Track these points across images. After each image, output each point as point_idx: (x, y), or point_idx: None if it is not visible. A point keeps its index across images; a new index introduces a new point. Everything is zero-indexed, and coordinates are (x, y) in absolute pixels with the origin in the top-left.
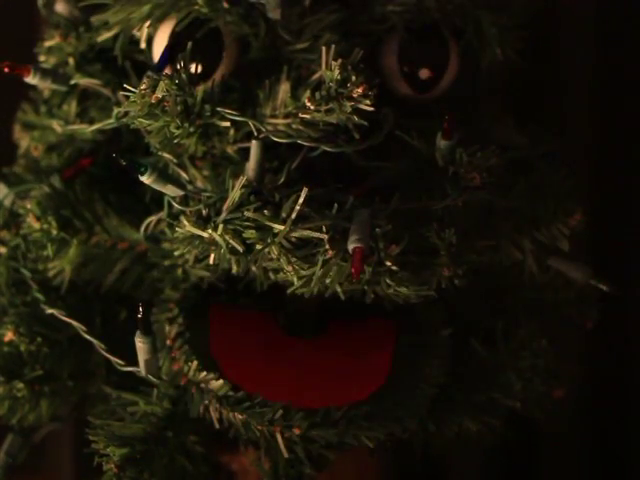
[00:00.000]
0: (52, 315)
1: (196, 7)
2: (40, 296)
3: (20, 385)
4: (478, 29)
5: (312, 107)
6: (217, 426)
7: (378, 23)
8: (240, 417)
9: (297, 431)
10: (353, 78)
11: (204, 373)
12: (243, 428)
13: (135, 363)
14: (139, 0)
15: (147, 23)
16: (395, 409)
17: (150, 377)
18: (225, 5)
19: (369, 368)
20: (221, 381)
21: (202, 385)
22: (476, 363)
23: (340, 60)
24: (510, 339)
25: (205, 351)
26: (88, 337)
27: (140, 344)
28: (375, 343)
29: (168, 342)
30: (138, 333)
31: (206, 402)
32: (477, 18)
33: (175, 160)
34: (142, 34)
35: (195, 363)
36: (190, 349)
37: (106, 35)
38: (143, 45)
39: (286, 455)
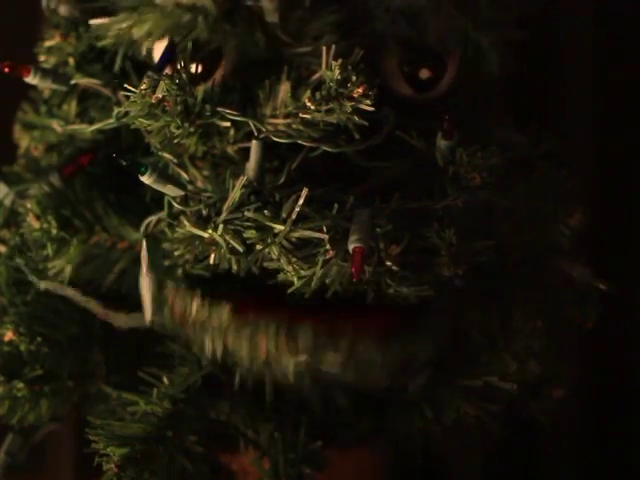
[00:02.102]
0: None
1: (197, 30)
2: (34, 278)
3: (20, 385)
4: (477, 49)
5: (312, 107)
6: (219, 358)
7: (378, 23)
8: (245, 344)
9: (301, 345)
10: (353, 78)
11: (207, 307)
12: (249, 352)
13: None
14: (140, 16)
15: (146, 42)
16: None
17: (155, 322)
18: (228, 28)
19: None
20: (224, 310)
21: (205, 323)
22: (472, 347)
23: (340, 60)
24: (506, 324)
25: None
26: (84, 301)
27: (146, 280)
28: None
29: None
30: (144, 269)
31: (209, 334)
32: (477, 41)
33: (175, 160)
34: (142, 46)
35: (198, 299)
36: (192, 286)
37: (105, 42)
38: (143, 53)
39: (292, 379)
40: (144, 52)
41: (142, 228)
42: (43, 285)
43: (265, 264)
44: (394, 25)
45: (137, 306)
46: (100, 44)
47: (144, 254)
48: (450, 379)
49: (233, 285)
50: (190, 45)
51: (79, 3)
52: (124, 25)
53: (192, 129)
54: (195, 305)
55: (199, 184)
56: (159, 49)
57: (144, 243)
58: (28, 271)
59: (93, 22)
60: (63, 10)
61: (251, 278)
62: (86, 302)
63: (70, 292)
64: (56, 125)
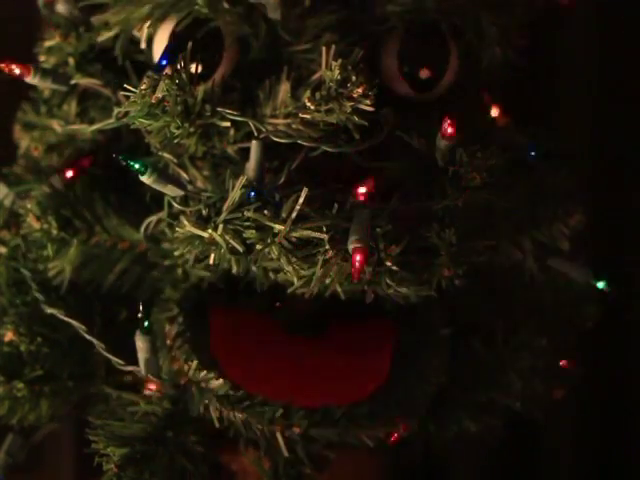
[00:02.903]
0: (52, 315)
1: (196, 7)
2: (40, 296)
3: (20, 385)
4: (478, 29)
5: (312, 107)
6: (217, 425)
7: (378, 23)
8: (240, 416)
9: (297, 430)
10: (353, 78)
11: (204, 372)
12: (243, 427)
13: (135, 363)
14: (139, 0)
15: (147, 23)
16: (395, 408)
17: (150, 377)
18: (225, 5)
19: (369, 367)
20: (221, 380)
21: (202, 384)
22: (476, 363)
23: (340, 60)
24: (510, 339)
25: (205, 350)
26: (88, 337)
27: (140, 343)
28: (375, 343)
29: (168, 341)
30: (138, 332)
31: (206, 401)
32: (477, 18)
33: (175, 160)
34: (142, 34)
35: (195, 362)
36: (190, 348)
37: (106, 35)
38: (143, 45)
39: (286, 454)
40: (144, 41)
41: (142, 228)
42: (49, 311)
43: (265, 264)
44: (396, 2)
45: (137, 306)
46: (100, 39)
47: (140, 316)
48: (453, 394)
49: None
50: (190, 46)
51: (78, 1)
52: (124, 13)
53: (192, 129)
54: (192, 367)
55: (199, 184)
56: (159, 47)
57: (140, 306)
58: (35, 286)
59: (94, 18)
60: (61, 9)
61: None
62: (90, 338)
63: (76, 324)
64: (56, 125)
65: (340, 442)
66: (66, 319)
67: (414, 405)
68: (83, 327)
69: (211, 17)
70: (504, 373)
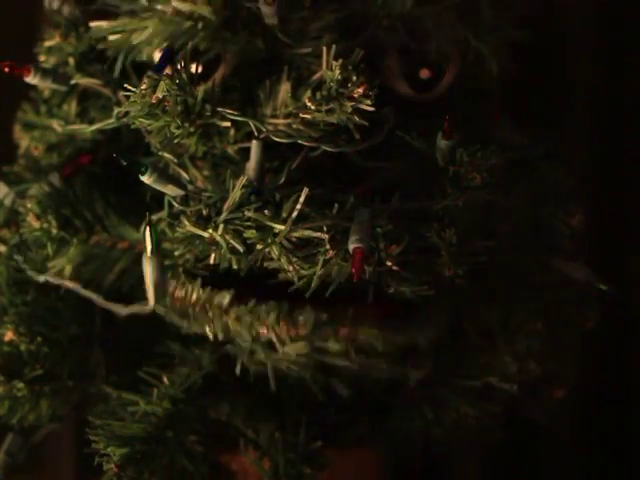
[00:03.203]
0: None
1: (197, 38)
2: (33, 274)
3: (20, 385)
4: (478, 57)
5: (313, 107)
6: (220, 337)
7: (378, 23)
8: (247, 319)
9: (302, 331)
10: (354, 78)
11: (208, 291)
12: (248, 333)
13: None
14: (140, 23)
15: (146, 49)
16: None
17: (158, 307)
18: (228, 35)
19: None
20: (226, 295)
21: (206, 304)
22: (472, 348)
23: (340, 60)
24: (506, 325)
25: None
26: (85, 293)
27: (148, 267)
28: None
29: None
30: (146, 252)
31: (210, 315)
32: (478, 49)
33: (175, 160)
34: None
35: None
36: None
37: (105, 46)
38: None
39: (294, 366)
40: (145, 57)
41: (142, 228)
42: (42, 278)
43: (265, 264)
44: (394, 34)
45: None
46: (100, 46)
47: (147, 238)
48: (450, 380)
49: (234, 279)
50: (190, 49)
51: (80, 4)
52: (124, 30)
53: (192, 129)
54: (196, 290)
55: (199, 184)
56: (159, 50)
57: (147, 229)
58: (27, 267)
59: (93, 25)
60: (65, 10)
61: (252, 277)
62: (86, 293)
63: (69, 284)
64: (56, 125)
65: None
66: (57, 282)
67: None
68: (77, 285)
69: (212, 47)
70: (500, 357)
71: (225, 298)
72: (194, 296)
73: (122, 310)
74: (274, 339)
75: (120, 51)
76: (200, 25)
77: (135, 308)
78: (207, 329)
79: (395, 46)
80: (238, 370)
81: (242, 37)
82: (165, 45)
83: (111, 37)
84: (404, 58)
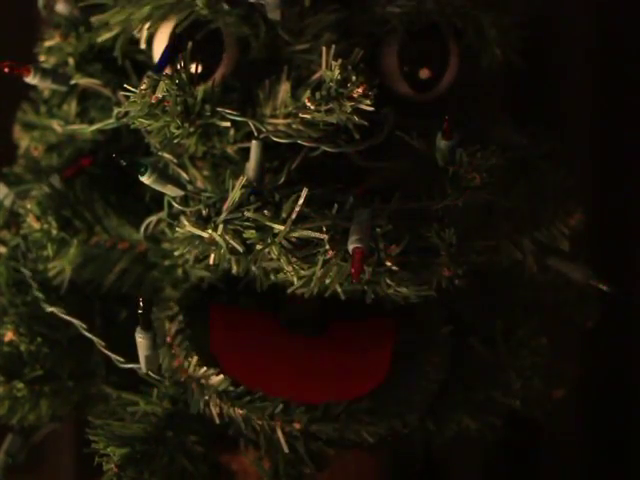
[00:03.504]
0: (52, 315)
1: (196, 9)
2: (40, 294)
3: (20, 385)
4: (478, 30)
5: (312, 107)
6: (217, 421)
7: (378, 23)
8: (240, 412)
9: (297, 426)
10: (353, 78)
11: (204, 368)
12: (243, 423)
13: (135, 362)
14: (139, 1)
15: (147, 24)
16: (396, 405)
17: (150, 374)
18: (225, 7)
19: (369, 365)
20: (221, 376)
21: (202, 381)
22: (476, 362)
23: (340, 60)
24: (510, 338)
25: (205, 347)
26: (88, 335)
27: (140, 340)
28: (375, 341)
29: (168, 339)
30: (138, 329)
31: (206, 397)
32: (477, 19)
33: (175, 160)
34: (142, 35)
35: (195, 358)
36: (190, 345)
37: (106, 35)
38: (143, 45)
39: (287, 451)
40: (144, 42)
41: (142, 228)
42: (49, 310)
43: (265, 264)
44: (394, 33)
45: (137, 307)
46: (100, 39)
47: (140, 312)
48: (453, 393)
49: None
50: (190, 46)
51: (77, 1)
52: (124, 14)
53: (192, 129)
54: (192, 363)
55: (199, 184)
56: (159, 48)
57: (140, 302)
58: (35, 285)
59: (94, 19)
60: (61, 8)
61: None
62: (90, 335)
63: (76, 322)
64: (56, 125)
65: (340, 439)
66: (66, 317)
67: (414, 402)
68: (83, 325)
69: (211, 19)
70: (504, 372)
71: (221, 382)
72: (190, 368)
73: (122, 364)
74: (265, 428)
75: (121, 36)
76: None
77: (132, 365)
78: (201, 405)
79: (395, 45)
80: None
81: (241, 11)
82: (167, 37)
83: (112, 20)
84: (404, 57)
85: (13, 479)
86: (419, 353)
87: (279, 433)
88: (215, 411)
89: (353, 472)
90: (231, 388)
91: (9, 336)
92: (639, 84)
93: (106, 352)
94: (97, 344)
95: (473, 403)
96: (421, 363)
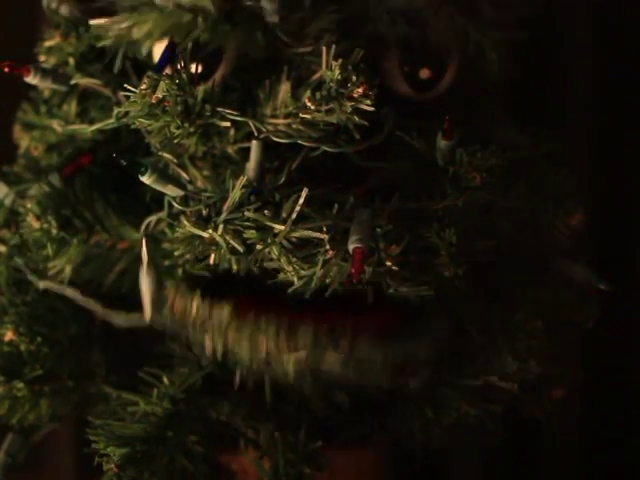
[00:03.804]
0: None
1: (197, 31)
2: (33, 278)
3: (20, 385)
4: (479, 52)
5: (312, 107)
6: (219, 358)
7: (378, 23)
8: (246, 343)
9: (301, 344)
10: (353, 78)
11: (207, 305)
12: (249, 352)
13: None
14: (140, 16)
15: (147, 42)
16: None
17: (155, 320)
18: (227, 27)
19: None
20: (225, 310)
21: (205, 321)
22: (472, 348)
23: (340, 60)
24: (506, 323)
25: (208, 290)
26: (84, 301)
27: (145, 282)
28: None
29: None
30: (143, 267)
31: (209, 333)
32: (478, 42)
33: (175, 160)
34: (142, 46)
35: (198, 295)
36: (193, 286)
37: (105, 42)
38: (144, 53)
39: (292, 379)
40: (144, 52)
41: (142, 228)
42: (42, 285)
43: (265, 264)
44: (394, 26)
45: (137, 306)
46: (100, 44)
47: (144, 253)
48: (450, 379)
49: (233, 286)
50: (190, 45)
51: (80, 3)
52: (124, 25)
53: (192, 129)
54: (195, 304)
55: (199, 184)
56: (159, 49)
57: (144, 242)
58: (28, 271)
59: (93, 22)
60: (64, 10)
61: (252, 279)
62: (85, 302)
63: (69, 292)
64: (56, 125)
65: (344, 369)
66: (59, 290)
67: (426, 339)
68: (77, 294)
69: (212, 39)
70: (500, 356)
71: (224, 313)
72: (193, 310)
73: (120, 320)
74: (273, 353)
75: (120, 46)
76: (200, 17)
77: (133, 318)
78: (207, 343)
79: (395, 46)
80: (237, 381)
81: (242, 30)
82: (166, 39)
83: (111, 32)
84: (404, 58)
85: (13, 479)
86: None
87: (285, 356)
88: (219, 342)
89: (353, 472)
90: (236, 321)
91: (9, 336)
92: (639, 84)
93: (105, 315)
94: (95, 309)
95: (471, 389)
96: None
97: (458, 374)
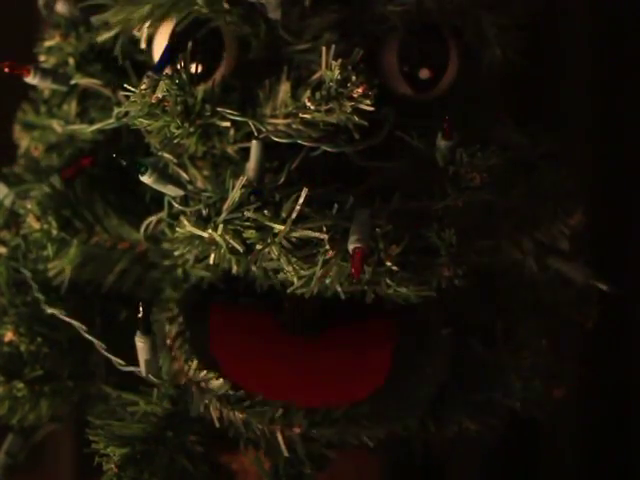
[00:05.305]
0: (52, 315)
1: (196, 7)
2: (40, 296)
3: (20, 385)
4: (478, 29)
5: (312, 107)
6: (217, 425)
7: (378, 23)
8: (240, 416)
9: (298, 430)
10: (353, 78)
11: (204, 372)
12: (243, 427)
13: (136, 363)
14: (139, 0)
15: (147, 23)
16: (395, 408)
17: (150, 377)
18: (226, 5)
19: (369, 367)
20: (221, 380)
21: (202, 384)
22: (476, 363)
23: (340, 60)
24: (510, 339)
25: (205, 350)
26: (88, 337)
27: (140, 343)
28: (375, 343)
29: (168, 341)
30: (138, 333)
31: (206, 401)
32: (477, 18)
33: (175, 160)
34: (142, 34)
35: (195, 362)
36: (190, 348)
37: (106, 35)
38: (143, 45)
39: (287, 454)
40: (144, 41)
41: (142, 228)
42: (50, 311)
43: (265, 264)
44: (394, 32)
45: (137, 307)
46: (100, 39)
47: (140, 317)
48: (453, 394)
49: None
50: (190, 46)
51: (78, 1)
52: (124, 13)
53: (192, 129)
54: (192, 367)
55: (199, 184)
56: (159, 47)
57: (140, 306)
58: (30, 279)
59: (94, 18)
60: (61, 9)
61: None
62: (90, 338)
63: (76, 324)
64: (56, 125)
65: (340, 442)
66: (66, 319)
67: (414, 405)
68: (83, 327)
69: (211, 17)
70: (504, 372)
71: (219, 382)
72: (190, 372)
73: (122, 366)
74: (266, 429)
75: (121, 35)
76: None
77: (132, 368)
78: (201, 408)
79: (395, 45)
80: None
81: (241, 10)
82: (166, 35)
83: (112, 19)
84: (404, 55)
85: (13, 479)
86: (419, 355)
87: (279, 437)
88: (215, 415)
89: (353, 472)
90: (231, 392)
91: (9, 336)
92: (639, 84)
93: (106, 354)
94: (97, 346)
95: (473, 404)
96: (421, 365)
97: (461, 389)
